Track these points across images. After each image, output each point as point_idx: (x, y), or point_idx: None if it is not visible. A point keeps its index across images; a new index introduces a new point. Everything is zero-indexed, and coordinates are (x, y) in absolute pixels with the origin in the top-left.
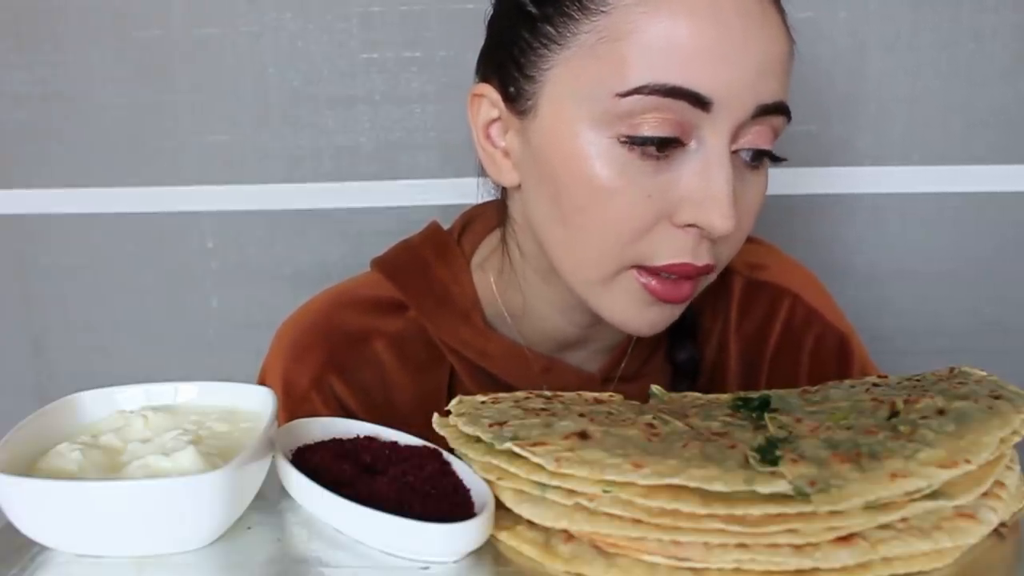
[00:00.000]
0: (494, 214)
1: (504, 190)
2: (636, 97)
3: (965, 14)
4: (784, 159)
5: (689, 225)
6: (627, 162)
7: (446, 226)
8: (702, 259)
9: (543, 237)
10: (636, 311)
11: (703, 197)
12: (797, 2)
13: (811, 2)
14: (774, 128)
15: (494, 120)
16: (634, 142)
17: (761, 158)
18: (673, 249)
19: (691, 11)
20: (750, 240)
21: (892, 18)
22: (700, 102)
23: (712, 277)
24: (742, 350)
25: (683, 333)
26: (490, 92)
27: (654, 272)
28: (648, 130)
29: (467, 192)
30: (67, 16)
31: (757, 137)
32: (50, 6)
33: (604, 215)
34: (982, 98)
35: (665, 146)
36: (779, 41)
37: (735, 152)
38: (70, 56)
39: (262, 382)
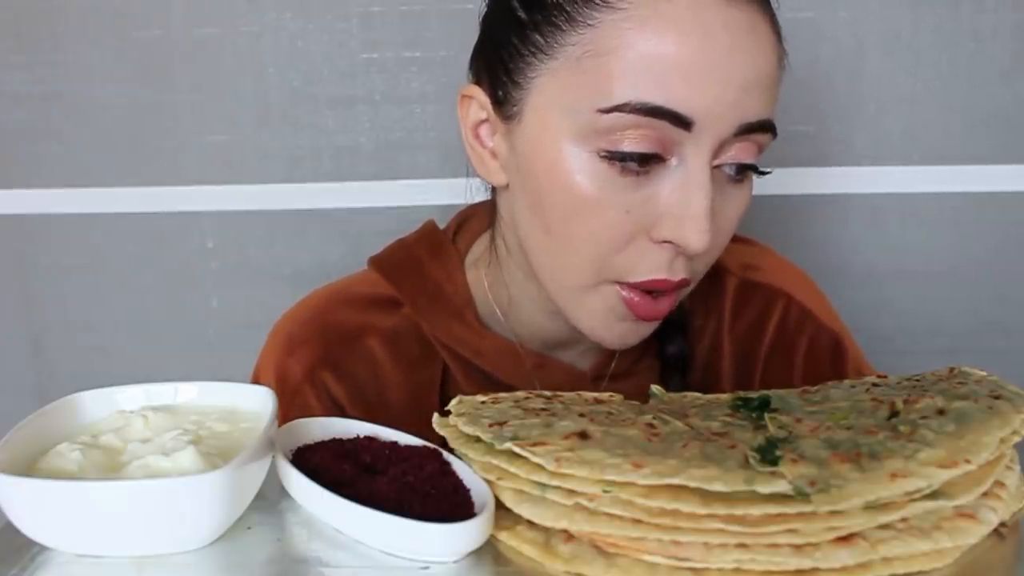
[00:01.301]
0: (488, 213)
1: (494, 188)
2: (617, 114)
3: (965, 14)
4: (768, 172)
5: (665, 241)
6: (607, 177)
7: (443, 226)
8: (678, 274)
9: (524, 240)
10: (608, 324)
11: (680, 214)
12: (797, 2)
13: (811, 2)
14: (758, 144)
15: (483, 121)
16: (614, 157)
17: (744, 171)
18: (650, 265)
19: (678, 28)
20: (745, 241)
21: (892, 18)
22: (681, 122)
23: (688, 289)
24: (735, 350)
25: (673, 330)
26: (479, 94)
27: (634, 288)
28: (628, 146)
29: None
30: (67, 16)
31: (740, 152)
32: (50, 6)
33: (583, 227)
34: (982, 98)
35: (646, 162)
36: (767, 57)
37: (717, 167)
38: (70, 56)
39: (256, 376)
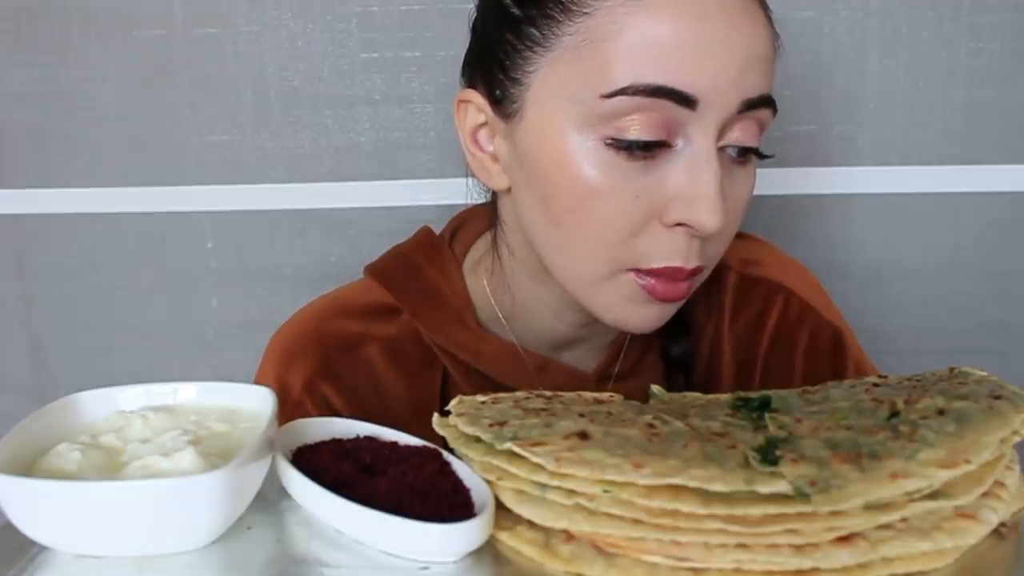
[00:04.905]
0: (484, 217)
1: (494, 193)
2: (620, 98)
3: (965, 14)
4: (770, 156)
5: (678, 224)
6: (614, 164)
7: (439, 229)
8: (692, 262)
9: (534, 239)
10: (632, 309)
11: (691, 196)
12: (797, 2)
13: (811, 2)
14: (760, 121)
15: (481, 125)
16: (620, 145)
17: (747, 154)
18: (665, 251)
19: (674, 10)
20: (744, 236)
21: (892, 18)
22: (685, 101)
23: (704, 275)
24: (736, 346)
25: (676, 329)
26: (476, 97)
27: (651, 274)
28: (634, 134)
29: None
30: (67, 16)
31: (743, 133)
32: (50, 6)
33: (594, 216)
34: (982, 98)
35: (651, 147)
36: (761, 34)
37: (722, 148)
38: (70, 56)
39: None
